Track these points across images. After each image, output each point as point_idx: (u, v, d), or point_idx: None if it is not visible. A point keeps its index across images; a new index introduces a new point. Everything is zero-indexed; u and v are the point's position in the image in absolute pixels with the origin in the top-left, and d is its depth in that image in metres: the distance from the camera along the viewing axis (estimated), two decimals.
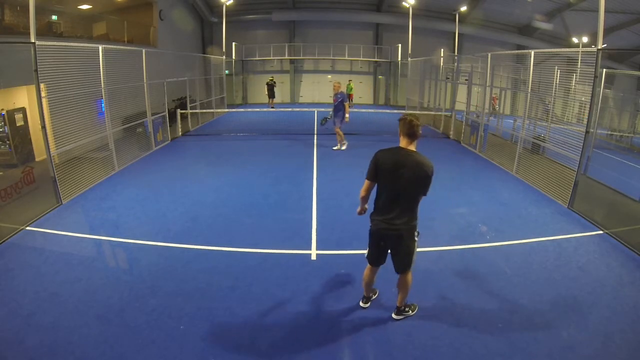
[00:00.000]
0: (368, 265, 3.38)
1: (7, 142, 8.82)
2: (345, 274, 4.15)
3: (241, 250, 4.67)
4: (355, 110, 18.69)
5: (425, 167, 2.95)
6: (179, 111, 12.28)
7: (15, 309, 3.47)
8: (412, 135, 2.99)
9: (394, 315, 3.41)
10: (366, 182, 3.13)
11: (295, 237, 5.01)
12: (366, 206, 3.32)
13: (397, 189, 3.01)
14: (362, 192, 3.21)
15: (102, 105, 7.59)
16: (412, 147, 3.00)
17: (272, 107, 19.47)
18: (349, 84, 21.44)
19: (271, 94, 20.06)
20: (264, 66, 24.21)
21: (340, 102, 9.60)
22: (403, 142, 3.03)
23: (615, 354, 3.06)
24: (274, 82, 20.35)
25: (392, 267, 3.24)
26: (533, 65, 7.69)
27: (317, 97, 24.50)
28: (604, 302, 3.72)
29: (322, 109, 15.63)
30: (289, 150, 10.17)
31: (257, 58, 23.63)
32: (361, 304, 3.60)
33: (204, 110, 15.03)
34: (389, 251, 3.21)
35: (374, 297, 3.65)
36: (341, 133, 9.94)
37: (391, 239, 3.13)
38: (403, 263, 3.18)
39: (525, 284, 4.01)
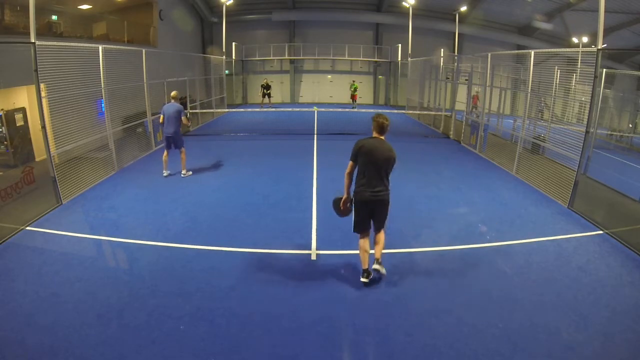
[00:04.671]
0: (360, 238, 3.97)
1: (5, 143, 8.79)
2: (345, 274, 4.15)
3: (241, 250, 4.67)
4: (356, 110, 18.75)
5: (393, 152, 3.85)
6: None
7: (15, 309, 3.47)
8: (382, 132, 3.88)
9: (375, 266, 3.89)
10: (350, 163, 3.88)
11: (295, 237, 5.01)
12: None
13: (378, 167, 3.80)
14: (348, 170, 3.90)
15: (102, 105, 7.59)
16: (383, 138, 3.88)
17: (270, 107, 19.48)
18: (353, 84, 21.28)
19: (266, 95, 20.09)
20: (263, 66, 24.21)
21: (172, 115, 7.29)
22: (375, 134, 3.88)
23: (615, 354, 3.06)
24: (268, 85, 20.33)
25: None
26: (533, 65, 7.69)
27: (317, 97, 24.50)
28: (604, 302, 3.72)
29: (322, 109, 15.71)
30: (289, 150, 10.17)
31: (257, 58, 23.63)
32: (362, 279, 3.94)
33: (204, 110, 15.04)
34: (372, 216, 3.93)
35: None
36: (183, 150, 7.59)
37: (377, 204, 3.88)
38: (383, 222, 4.00)
39: (526, 284, 4.01)
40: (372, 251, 3.98)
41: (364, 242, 3.94)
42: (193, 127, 13.39)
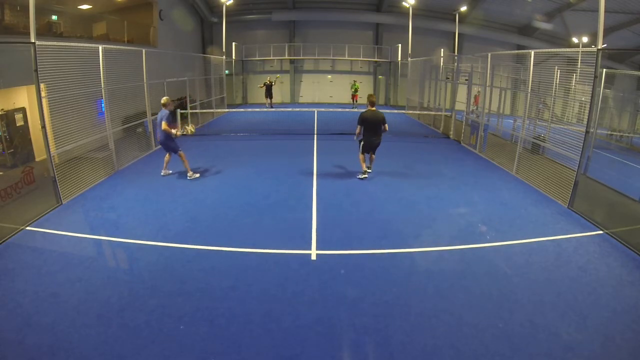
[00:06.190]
0: (361, 156, 7.42)
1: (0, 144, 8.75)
2: (345, 274, 4.15)
3: (241, 250, 4.67)
4: (356, 110, 18.72)
5: (382, 115, 7.17)
6: (179, 111, 12.27)
7: (15, 309, 3.47)
8: (373, 105, 7.21)
9: (369, 170, 7.57)
10: (359, 127, 7.23)
11: (295, 237, 5.01)
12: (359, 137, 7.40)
13: (374, 126, 7.18)
14: (357, 131, 7.29)
15: (102, 105, 7.59)
16: (374, 108, 7.19)
17: (271, 107, 19.35)
18: (354, 84, 21.23)
19: (268, 94, 19.68)
20: (263, 66, 24.21)
21: (160, 122, 7.05)
22: (370, 107, 7.18)
23: (615, 354, 3.06)
24: (272, 82, 19.79)
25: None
26: (533, 65, 7.69)
27: (317, 97, 24.50)
28: (604, 302, 3.73)
29: (322, 109, 15.71)
30: (289, 150, 10.17)
31: (257, 58, 23.62)
32: (361, 176, 7.45)
33: (204, 110, 15.03)
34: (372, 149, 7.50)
35: (369, 172, 7.55)
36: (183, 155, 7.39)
37: (375, 145, 7.39)
38: (375, 150, 7.52)
39: (526, 284, 4.01)
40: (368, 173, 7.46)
41: (363, 157, 7.43)
42: (196, 128, 13.33)
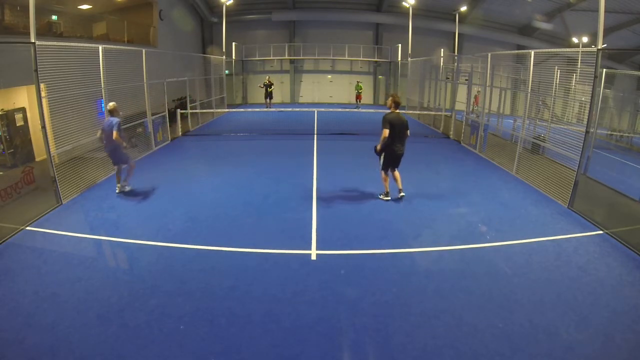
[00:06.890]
0: (384, 174, 6.22)
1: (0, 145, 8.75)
2: (345, 274, 4.15)
3: (241, 250, 4.67)
4: (355, 110, 18.75)
5: (405, 119, 6.07)
6: (179, 111, 12.28)
7: (15, 309, 3.47)
8: (397, 106, 6.06)
9: (400, 194, 6.28)
10: (385, 131, 5.85)
11: (295, 237, 5.01)
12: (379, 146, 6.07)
13: (400, 131, 5.98)
14: (385, 135, 5.86)
15: (102, 105, 7.59)
16: (398, 111, 6.04)
17: (269, 108, 19.25)
18: (358, 84, 21.25)
19: (268, 95, 19.27)
20: (264, 66, 24.21)
21: (110, 131, 6.20)
22: (393, 109, 6.01)
23: (615, 354, 3.06)
24: (270, 83, 19.35)
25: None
26: (533, 65, 7.68)
27: (317, 97, 24.50)
28: (604, 302, 3.72)
29: (322, 109, 15.72)
30: (289, 150, 10.17)
31: (257, 58, 23.63)
32: (384, 198, 6.29)
33: (204, 110, 15.04)
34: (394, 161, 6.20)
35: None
36: (133, 164, 6.76)
37: (400, 155, 6.13)
38: (398, 165, 6.25)
39: (526, 284, 4.01)
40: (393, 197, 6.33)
41: (386, 176, 6.24)
42: (193, 127, 13.36)
